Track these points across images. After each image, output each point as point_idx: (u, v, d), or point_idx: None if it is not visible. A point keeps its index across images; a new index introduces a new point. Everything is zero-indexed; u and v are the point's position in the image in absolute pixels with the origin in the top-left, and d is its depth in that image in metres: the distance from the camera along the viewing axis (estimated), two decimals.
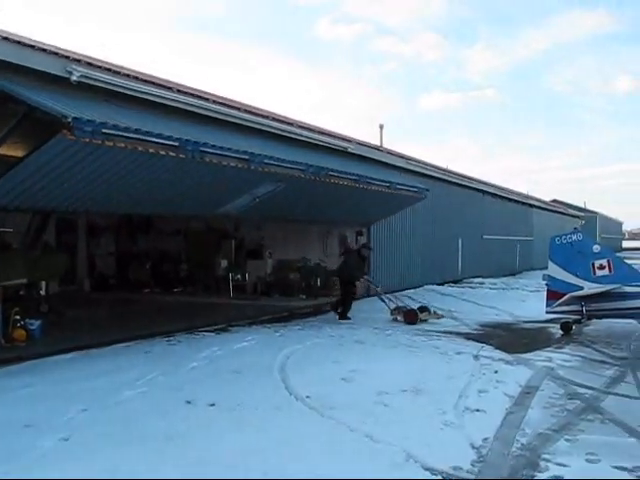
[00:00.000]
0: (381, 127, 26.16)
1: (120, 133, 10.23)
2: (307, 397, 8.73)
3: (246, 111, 16.18)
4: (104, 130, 9.91)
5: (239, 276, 22.80)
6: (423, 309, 17.15)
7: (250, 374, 10.22)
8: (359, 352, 12.24)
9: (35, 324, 13.12)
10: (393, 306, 17.26)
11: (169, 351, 12.39)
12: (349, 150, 19.93)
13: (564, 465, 6.36)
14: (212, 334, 14.24)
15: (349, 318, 16.98)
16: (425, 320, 16.46)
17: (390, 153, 24.64)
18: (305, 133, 18.32)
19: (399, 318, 16.55)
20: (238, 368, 10.58)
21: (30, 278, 15.02)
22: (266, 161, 13.43)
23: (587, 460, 6.53)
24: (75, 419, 7.72)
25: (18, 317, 12.82)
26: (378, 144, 25.30)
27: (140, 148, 10.59)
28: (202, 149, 11.77)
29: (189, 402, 8.48)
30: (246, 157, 12.89)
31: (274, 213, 17.11)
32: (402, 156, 25.68)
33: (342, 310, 17.14)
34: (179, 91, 13.92)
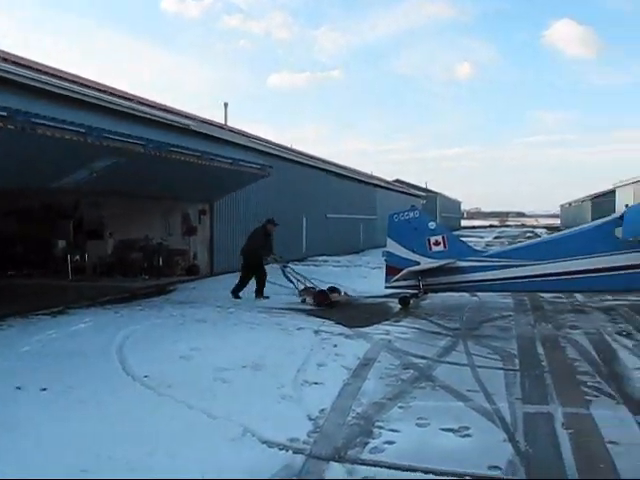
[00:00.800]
0: (225, 105, 26.03)
1: None
2: (145, 377, 8.54)
3: (83, 85, 15.55)
4: None
5: (78, 257, 21.97)
6: (333, 290, 16.49)
7: (86, 356, 9.87)
8: (200, 330, 12.07)
9: None
10: (302, 287, 16.62)
11: None
12: (191, 128, 19.62)
13: (396, 430, 6.60)
14: (48, 317, 13.62)
15: (267, 297, 16.67)
16: (337, 302, 15.86)
17: (233, 131, 24.52)
18: (146, 109, 17.87)
19: (308, 300, 15.89)
20: (74, 350, 10.20)
21: None
22: (104, 135, 12.97)
23: (417, 424, 6.81)
24: None
25: None
26: (223, 122, 25.13)
27: None
28: (34, 120, 11.20)
29: (19, 388, 8.07)
30: (82, 130, 12.38)
31: (115, 188, 16.57)
32: (246, 134, 25.64)
33: (257, 289, 16.81)
34: (6, 60, 13.16)
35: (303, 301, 15.96)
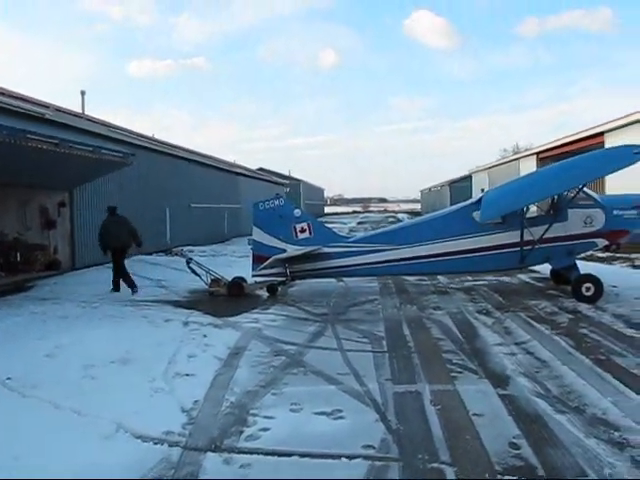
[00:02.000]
0: (83, 93, 25.13)
1: None
2: (8, 379, 8.16)
3: None
4: None
5: None
6: (240, 279, 16.01)
7: None
8: (64, 327, 11.61)
9: None
10: (210, 278, 16.19)
11: None
12: (47, 117, 18.80)
13: (270, 417, 6.68)
14: None
15: (134, 288, 16.08)
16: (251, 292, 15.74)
17: (92, 120, 23.75)
18: None
19: (222, 291, 15.66)
20: None
21: None
22: None
23: (291, 410, 6.91)
24: None
25: None
26: (80, 111, 24.30)
27: None
28: None
29: None
30: None
31: None
32: (105, 124, 24.89)
33: (123, 281, 16.27)
34: None
35: (211, 293, 15.73)
